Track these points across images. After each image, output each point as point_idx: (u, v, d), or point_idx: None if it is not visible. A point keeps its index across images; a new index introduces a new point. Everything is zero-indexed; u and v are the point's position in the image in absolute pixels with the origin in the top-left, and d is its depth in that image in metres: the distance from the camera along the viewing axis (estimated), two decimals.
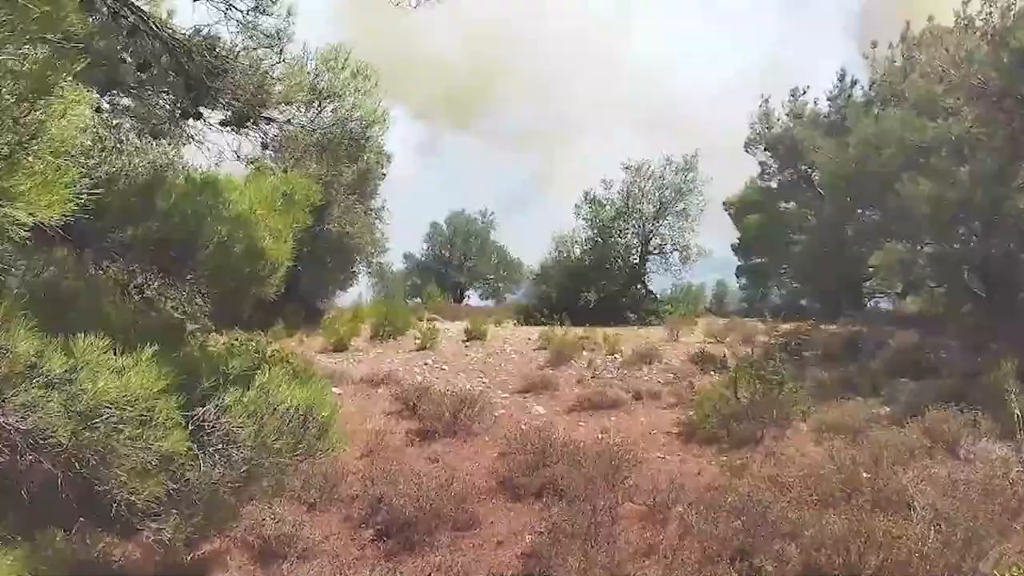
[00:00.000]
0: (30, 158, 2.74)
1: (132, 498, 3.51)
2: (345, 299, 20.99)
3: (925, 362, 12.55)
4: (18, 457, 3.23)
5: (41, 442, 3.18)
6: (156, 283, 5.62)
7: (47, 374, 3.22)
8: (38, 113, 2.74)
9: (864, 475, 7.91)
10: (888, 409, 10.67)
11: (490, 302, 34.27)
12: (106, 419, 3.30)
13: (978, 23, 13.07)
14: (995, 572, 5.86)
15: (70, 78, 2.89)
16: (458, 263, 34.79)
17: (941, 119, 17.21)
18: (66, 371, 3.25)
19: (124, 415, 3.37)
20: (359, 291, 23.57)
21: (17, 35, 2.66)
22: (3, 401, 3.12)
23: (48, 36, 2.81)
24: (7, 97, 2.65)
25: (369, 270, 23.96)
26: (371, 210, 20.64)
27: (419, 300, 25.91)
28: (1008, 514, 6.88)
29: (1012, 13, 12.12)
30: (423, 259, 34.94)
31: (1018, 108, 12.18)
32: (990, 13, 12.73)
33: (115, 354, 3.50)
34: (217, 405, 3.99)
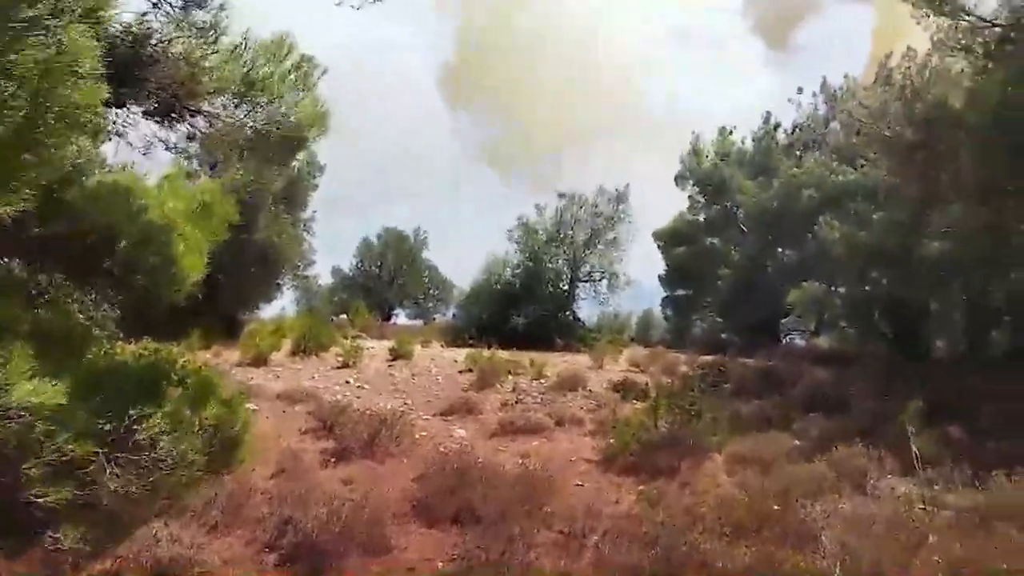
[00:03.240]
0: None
1: (39, 500, 3.30)
2: (268, 312, 20.42)
3: (836, 399, 13.00)
4: None
5: None
6: (61, 285, 5.31)
7: None
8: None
9: (774, 507, 8.08)
10: (799, 443, 10.97)
11: (419, 322, 33.85)
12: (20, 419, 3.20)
13: (896, 77, 13.80)
14: None
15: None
16: (388, 280, 34.28)
17: (859, 166, 18.18)
18: None
19: (38, 418, 3.29)
20: (283, 304, 22.98)
21: None
22: None
23: None
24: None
25: (295, 283, 23.38)
26: (300, 220, 20.19)
27: (345, 316, 25.37)
28: (910, 549, 7.12)
29: (928, 71, 12.84)
30: (352, 274, 34.28)
31: (929, 161, 12.86)
32: (908, 68, 13.45)
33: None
34: (129, 416, 3.77)
